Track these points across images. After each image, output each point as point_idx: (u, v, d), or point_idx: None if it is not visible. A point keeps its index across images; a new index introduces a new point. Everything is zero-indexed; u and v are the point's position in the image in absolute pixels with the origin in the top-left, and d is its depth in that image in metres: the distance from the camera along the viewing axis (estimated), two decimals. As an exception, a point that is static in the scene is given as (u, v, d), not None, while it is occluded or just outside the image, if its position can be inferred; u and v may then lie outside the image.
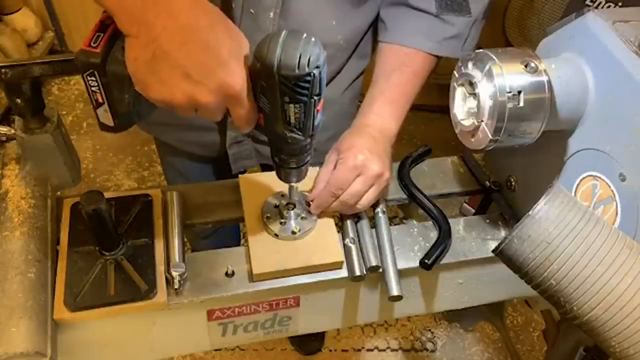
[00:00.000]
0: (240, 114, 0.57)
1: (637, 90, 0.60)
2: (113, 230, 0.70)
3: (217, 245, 0.82)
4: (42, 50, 2.51)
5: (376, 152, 0.77)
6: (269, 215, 0.77)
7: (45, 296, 0.66)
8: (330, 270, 0.76)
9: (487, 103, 0.65)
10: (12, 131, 0.72)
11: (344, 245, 0.77)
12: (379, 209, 0.82)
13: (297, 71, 0.53)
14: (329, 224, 0.79)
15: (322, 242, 0.76)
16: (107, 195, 0.67)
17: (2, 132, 0.74)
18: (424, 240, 0.81)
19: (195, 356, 1.80)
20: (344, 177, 0.75)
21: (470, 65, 0.68)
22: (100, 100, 0.58)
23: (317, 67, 0.54)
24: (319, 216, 0.79)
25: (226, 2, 0.80)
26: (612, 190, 0.65)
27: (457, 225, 0.83)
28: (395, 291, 0.73)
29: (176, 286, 0.70)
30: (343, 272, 0.76)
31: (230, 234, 1.51)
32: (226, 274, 0.74)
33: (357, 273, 0.74)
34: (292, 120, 0.58)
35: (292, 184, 0.73)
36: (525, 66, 0.65)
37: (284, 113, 0.57)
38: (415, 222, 0.88)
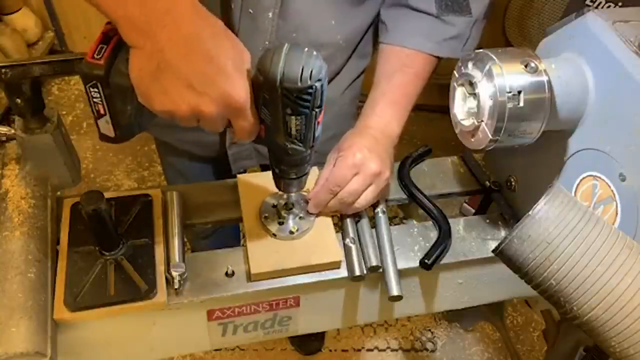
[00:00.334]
0: (242, 125, 0.58)
1: (637, 90, 0.60)
2: (113, 230, 0.70)
3: (217, 245, 0.82)
4: (42, 50, 2.51)
5: (376, 152, 0.77)
6: (267, 215, 0.77)
7: (45, 296, 0.66)
8: (329, 270, 0.76)
9: (487, 103, 0.65)
10: (12, 131, 0.72)
11: (344, 245, 0.77)
12: (379, 209, 0.82)
13: (299, 84, 0.54)
14: (327, 223, 0.79)
15: (321, 241, 0.76)
16: (107, 195, 0.67)
17: (2, 132, 0.74)
18: (424, 240, 0.81)
19: (195, 356, 1.81)
20: (342, 175, 0.75)
21: (470, 65, 0.68)
22: (102, 111, 0.58)
23: (319, 80, 0.55)
24: (318, 216, 0.79)
25: (225, 3, 0.80)
26: (612, 190, 0.65)
27: (457, 225, 0.83)
28: (395, 291, 0.73)
29: (176, 286, 0.70)
30: (343, 272, 0.76)
31: (230, 234, 1.51)
32: (226, 274, 0.74)
33: (357, 273, 0.74)
34: (294, 131, 0.59)
35: (292, 194, 0.74)
36: (525, 66, 0.65)
37: (285, 125, 0.58)
38: (415, 222, 0.88)
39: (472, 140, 0.71)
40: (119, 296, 0.67)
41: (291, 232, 0.76)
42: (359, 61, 0.99)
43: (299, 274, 0.74)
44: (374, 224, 0.81)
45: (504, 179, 0.87)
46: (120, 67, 0.55)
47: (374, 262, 0.75)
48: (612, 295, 0.52)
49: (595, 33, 0.66)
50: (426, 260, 0.75)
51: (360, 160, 0.75)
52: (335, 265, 0.75)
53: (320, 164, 0.81)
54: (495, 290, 0.88)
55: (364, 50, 0.98)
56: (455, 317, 1.75)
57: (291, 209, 0.78)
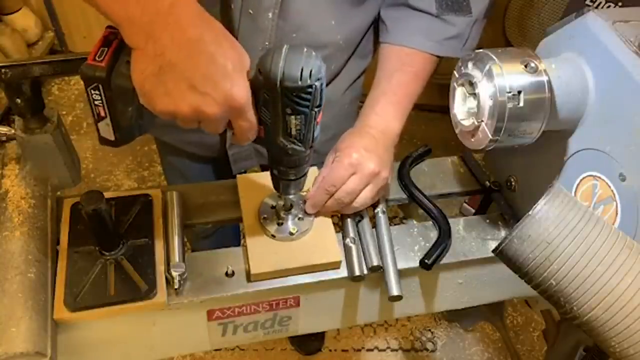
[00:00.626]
0: (242, 126, 0.58)
1: (637, 90, 0.60)
2: (113, 230, 0.70)
3: (217, 245, 0.82)
4: (42, 50, 2.51)
5: (374, 151, 0.77)
6: (265, 216, 0.77)
7: (45, 296, 0.66)
8: (328, 270, 0.76)
9: (487, 103, 0.65)
10: (12, 131, 0.72)
11: (344, 245, 0.77)
12: (379, 209, 0.82)
13: (299, 83, 0.54)
14: (327, 224, 0.79)
15: (320, 242, 0.76)
16: (107, 195, 0.67)
17: (2, 132, 0.75)
18: (424, 240, 0.81)
19: (195, 356, 1.80)
20: (338, 175, 0.75)
21: (470, 65, 0.68)
22: (102, 114, 0.59)
23: (319, 79, 0.56)
24: (317, 216, 0.79)
25: (225, 4, 0.80)
26: (612, 190, 0.65)
27: (457, 225, 0.83)
28: (395, 291, 0.73)
29: (176, 286, 0.70)
30: (343, 272, 0.76)
31: (230, 234, 1.51)
32: (226, 274, 0.74)
33: (357, 273, 0.74)
34: (293, 131, 0.59)
35: (290, 195, 0.74)
36: (525, 66, 0.65)
37: (285, 124, 0.58)
38: (415, 222, 0.88)
39: (472, 140, 0.71)
40: (119, 296, 0.67)
41: (291, 233, 0.76)
42: (359, 61, 0.99)
43: (298, 274, 0.74)
44: (374, 224, 0.81)
45: (504, 179, 0.87)
46: (121, 69, 0.56)
47: (374, 262, 0.75)
48: (612, 295, 0.52)
49: (595, 33, 0.66)
50: (426, 260, 0.75)
51: (357, 160, 0.75)
52: (335, 266, 0.75)
53: (321, 164, 0.81)
54: (495, 290, 0.88)
55: (364, 50, 0.98)
56: (455, 317, 1.75)
57: (290, 209, 0.78)
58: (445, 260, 0.78)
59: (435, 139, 2.20)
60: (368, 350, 1.86)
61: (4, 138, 0.76)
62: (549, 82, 0.65)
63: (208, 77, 0.53)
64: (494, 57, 0.65)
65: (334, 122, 1.00)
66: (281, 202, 0.78)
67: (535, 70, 0.65)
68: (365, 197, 0.77)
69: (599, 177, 0.66)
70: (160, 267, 0.70)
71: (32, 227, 0.70)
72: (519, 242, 0.56)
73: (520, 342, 1.90)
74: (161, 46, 0.52)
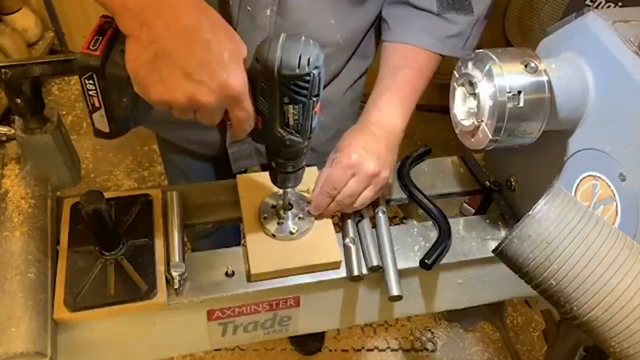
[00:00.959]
0: (239, 115, 0.57)
1: (637, 90, 0.60)
2: (113, 230, 0.70)
3: (217, 244, 0.82)
4: (42, 50, 2.51)
5: (374, 151, 0.76)
6: (266, 215, 0.77)
7: (45, 296, 0.66)
8: (328, 270, 0.76)
9: (487, 103, 0.65)
10: (12, 131, 0.72)
11: (344, 245, 0.77)
12: (379, 209, 0.82)
13: (297, 70, 0.54)
14: (327, 224, 0.79)
15: (320, 242, 0.76)
16: (107, 195, 0.67)
17: (2, 132, 0.75)
18: (424, 240, 0.81)
19: (195, 356, 1.80)
20: (338, 177, 0.75)
21: (470, 65, 0.68)
22: (97, 104, 0.58)
23: (317, 67, 0.55)
24: (319, 218, 0.79)
25: (223, 0, 0.80)
26: (612, 190, 0.65)
27: (457, 225, 0.83)
28: (395, 291, 0.73)
29: (176, 286, 0.70)
30: (343, 272, 0.76)
31: (231, 234, 1.51)
32: (226, 274, 0.74)
33: (356, 273, 0.74)
34: (291, 121, 0.59)
35: (288, 189, 0.74)
36: (525, 66, 0.65)
37: (282, 114, 0.58)
38: (415, 222, 0.88)
39: (472, 140, 0.71)
40: (119, 296, 0.67)
41: (291, 233, 0.76)
42: (360, 62, 0.99)
43: (298, 274, 0.74)
44: (374, 224, 0.81)
45: (504, 179, 0.87)
46: (116, 58, 0.55)
47: (374, 262, 0.75)
48: (612, 295, 0.52)
49: (595, 33, 0.66)
50: (426, 260, 0.75)
51: (356, 161, 0.75)
52: (334, 266, 0.75)
53: (321, 164, 0.81)
54: (495, 290, 0.88)
55: (365, 51, 0.98)
56: (455, 317, 1.74)
57: (290, 209, 0.78)
58: (445, 260, 0.78)
59: (435, 139, 2.20)
60: (368, 350, 1.86)
61: (4, 138, 0.76)
62: (549, 82, 0.65)
63: (204, 65, 0.52)
64: (494, 57, 0.65)
65: (334, 122, 1.00)
66: (281, 202, 0.78)
67: (535, 70, 0.65)
68: (365, 197, 0.77)
69: (599, 177, 0.66)
70: (160, 267, 0.70)
71: (32, 227, 0.70)
72: (519, 242, 0.56)
73: (520, 342, 1.90)
74: (156, 34, 0.51)
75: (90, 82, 0.56)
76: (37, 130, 0.71)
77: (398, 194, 0.88)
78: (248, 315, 0.77)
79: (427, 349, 1.88)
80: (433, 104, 1.73)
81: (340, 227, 0.80)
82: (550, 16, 1.85)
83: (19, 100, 0.67)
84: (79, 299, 0.66)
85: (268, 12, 0.80)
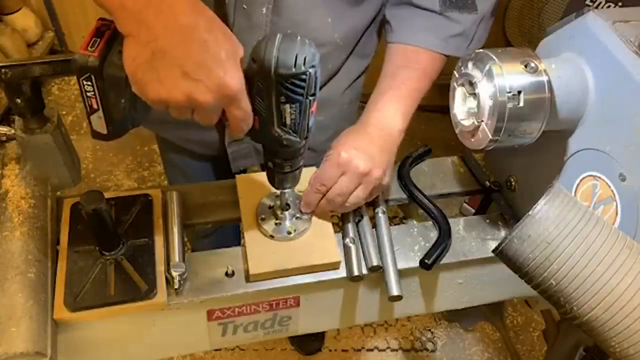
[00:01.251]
0: (236, 115, 0.57)
1: (637, 90, 0.60)
2: (113, 230, 0.70)
3: (217, 244, 0.82)
4: (42, 50, 2.50)
5: (366, 150, 0.76)
6: (263, 216, 0.77)
7: (45, 296, 0.66)
8: (327, 270, 0.76)
9: (487, 103, 0.65)
10: (12, 131, 0.72)
11: (344, 245, 0.77)
12: (379, 209, 0.82)
13: (293, 70, 0.54)
14: (326, 224, 0.78)
15: (320, 242, 0.76)
16: (107, 195, 0.67)
17: (2, 132, 0.75)
18: (424, 240, 0.81)
19: (195, 356, 1.80)
20: (327, 174, 0.75)
21: (470, 65, 0.68)
22: (94, 106, 0.58)
23: (313, 66, 0.55)
24: (312, 216, 0.79)
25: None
26: (612, 190, 0.65)
27: (457, 225, 0.83)
28: (395, 291, 0.73)
29: (176, 286, 0.70)
30: (343, 272, 0.76)
31: (231, 233, 1.51)
32: (226, 274, 0.74)
33: (356, 273, 0.74)
34: (288, 121, 0.59)
35: (286, 189, 0.74)
36: (525, 66, 0.65)
37: (279, 114, 0.58)
38: (415, 222, 0.88)
39: (472, 140, 0.71)
40: (119, 296, 0.67)
41: (289, 233, 0.76)
42: (359, 61, 0.99)
43: (297, 274, 0.74)
44: (374, 224, 0.81)
45: (504, 179, 0.87)
46: (113, 59, 0.56)
47: (374, 262, 0.75)
48: (612, 295, 0.52)
49: (595, 33, 0.66)
50: (426, 260, 0.75)
51: (346, 159, 0.74)
52: (334, 266, 0.75)
53: (320, 164, 0.81)
54: (495, 290, 0.88)
55: (364, 50, 0.98)
56: (455, 317, 1.74)
57: (287, 209, 0.78)
58: (445, 260, 0.78)
59: (435, 139, 2.19)
60: (368, 350, 1.86)
61: (4, 138, 0.76)
62: (549, 82, 0.65)
63: (201, 64, 0.52)
64: (494, 57, 0.65)
65: (334, 121, 1.00)
66: (278, 202, 0.78)
67: (535, 70, 0.65)
68: (357, 197, 0.76)
69: (599, 177, 0.66)
70: (160, 267, 0.70)
71: (32, 227, 0.70)
72: (519, 242, 0.56)
73: (520, 342, 1.90)
74: (153, 33, 0.51)
75: (89, 83, 0.56)
76: (37, 130, 0.71)
77: (398, 194, 0.88)
78: (248, 315, 0.77)
79: (427, 349, 1.88)
80: (433, 104, 1.73)
81: (340, 227, 0.80)
82: (550, 16, 1.85)
83: (19, 100, 0.67)
84: (79, 299, 0.66)
85: (264, 10, 0.80)
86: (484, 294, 0.88)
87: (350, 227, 0.79)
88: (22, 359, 0.60)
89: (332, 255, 0.75)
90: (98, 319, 0.69)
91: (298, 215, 0.78)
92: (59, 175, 0.77)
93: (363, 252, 0.77)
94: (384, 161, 0.78)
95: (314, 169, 0.81)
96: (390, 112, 0.81)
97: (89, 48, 0.55)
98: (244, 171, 1.10)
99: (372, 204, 0.82)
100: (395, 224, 0.82)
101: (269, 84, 0.56)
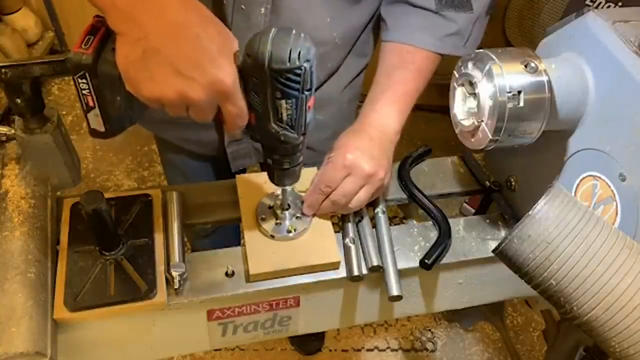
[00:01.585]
0: (231, 111, 0.57)
1: (637, 90, 0.60)
2: (113, 230, 0.70)
3: (218, 244, 0.82)
4: (42, 50, 2.51)
5: (369, 152, 0.76)
6: (263, 216, 0.77)
7: (45, 296, 0.66)
8: (327, 270, 0.76)
9: (487, 103, 0.65)
10: (12, 131, 0.72)
11: (344, 245, 0.77)
12: (379, 209, 0.82)
13: (288, 64, 0.54)
14: (326, 224, 0.78)
15: (320, 242, 0.76)
16: (107, 195, 0.67)
17: (2, 132, 0.75)
18: (424, 240, 0.81)
19: (195, 356, 1.80)
20: (332, 176, 0.75)
21: (470, 65, 0.68)
22: (91, 103, 0.58)
23: (308, 60, 0.55)
24: (314, 216, 0.79)
25: (217, 0, 0.80)
26: (612, 190, 0.65)
27: (457, 225, 0.83)
28: (395, 291, 0.73)
29: (176, 286, 0.70)
30: (343, 272, 0.76)
31: (231, 233, 1.51)
32: (226, 274, 0.74)
33: (356, 273, 0.74)
34: (284, 117, 0.58)
35: (286, 187, 0.73)
36: (525, 66, 0.65)
37: (275, 110, 0.58)
38: (415, 222, 0.88)
39: (472, 140, 0.71)
40: (119, 296, 0.67)
41: (288, 232, 0.76)
42: (358, 59, 0.99)
43: (297, 274, 0.74)
44: (374, 224, 0.81)
45: (504, 179, 0.87)
46: (107, 56, 0.56)
47: (374, 262, 0.75)
48: (612, 295, 0.52)
49: (595, 33, 0.66)
50: (426, 260, 0.75)
51: (351, 161, 0.74)
52: (334, 266, 0.75)
53: (320, 164, 0.81)
54: (495, 290, 0.88)
55: (363, 49, 0.98)
56: (455, 317, 1.75)
57: (287, 209, 0.78)
58: (445, 260, 0.78)
59: (435, 139, 2.19)
60: (368, 350, 1.86)
61: (4, 138, 0.76)
62: (549, 82, 0.65)
63: (193, 61, 0.52)
64: (494, 57, 0.65)
65: (333, 120, 1.00)
66: (278, 202, 0.78)
67: (535, 70, 0.65)
68: (360, 198, 0.76)
69: (599, 177, 0.66)
70: (160, 267, 0.70)
71: (32, 227, 0.70)
72: (519, 242, 0.56)
73: (520, 342, 1.90)
74: (144, 31, 0.51)
75: (84, 81, 0.56)
76: (37, 130, 0.71)
77: (398, 194, 0.88)
78: (248, 315, 0.77)
79: (427, 349, 1.88)
80: (433, 104, 1.73)
81: (340, 227, 0.80)
82: (550, 16, 1.85)
83: (19, 100, 0.67)
84: (79, 299, 0.66)
85: (262, 10, 0.80)
86: (484, 294, 0.88)
87: (350, 227, 0.79)
88: (22, 359, 0.60)
89: (332, 255, 0.75)
90: (98, 319, 0.69)
91: (298, 215, 0.78)
92: (59, 175, 0.77)
93: (363, 252, 0.77)
94: (385, 163, 0.78)
95: (314, 169, 0.81)
96: (387, 114, 0.81)
97: (82, 46, 0.55)
98: (244, 171, 1.10)
99: (372, 204, 0.82)
100: (395, 224, 0.82)
101: (264, 79, 0.55)
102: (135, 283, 0.68)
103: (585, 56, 0.67)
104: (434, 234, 0.81)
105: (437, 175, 0.92)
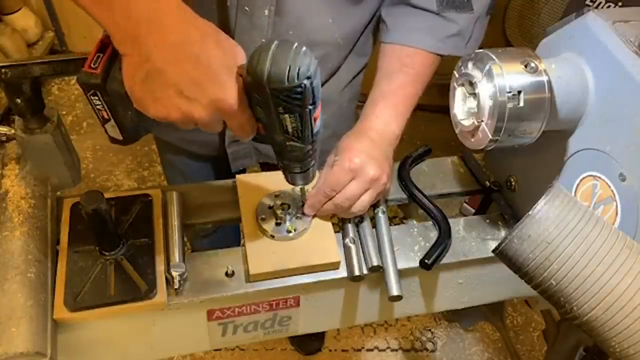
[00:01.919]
0: (236, 126, 0.58)
1: (637, 90, 0.60)
2: (113, 230, 0.70)
3: (217, 244, 0.82)
4: (42, 50, 2.51)
5: (374, 156, 0.76)
6: (263, 216, 0.77)
7: (45, 296, 0.66)
8: (328, 270, 0.76)
9: (487, 103, 0.65)
10: (12, 131, 0.73)
11: (344, 245, 0.77)
12: (379, 209, 0.82)
13: (286, 83, 0.53)
14: (326, 224, 0.78)
15: (320, 242, 0.76)
16: (107, 195, 0.68)
17: (2, 132, 0.75)
18: (424, 240, 0.81)
19: (195, 356, 1.80)
20: (338, 179, 0.75)
21: (470, 65, 0.68)
22: (106, 116, 0.60)
23: (308, 77, 0.53)
24: (314, 217, 0.79)
25: (221, 1, 0.80)
26: (612, 190, 0.65)
27: (457, 225, 0.83)
28: (395, 291, 0.73)
29: (176, 286, 0.70)
30: (343, 272, 0.76)
31: (231, 233, 1.51)
32: (226, 274, 0.74)
33: (356, 273, 0.74)
34: (290, 129, 0.58)
35: (299, 186, 0.74)
36: (525, 66, 0.65)
37: (280, 123, 0.58)
38: (415, 222, 0.88)
39: (472, 140, 0.71)
40: (119, 296, 0.67)
41: (288, 232, 0.76)
42: (358, 59, 0.99)
43: (297, 274, 0.74)
44: (374, 224, 0.81)
45: (504, 179, 0.87)
46: (116, 75, 0.56)
47: (374, 262, 0.75)
48: (612, 295, 0.52)
49: (595, 33, 0.66)
50: (426, 260, 0.75)
51: (357, 165, 0.74)
52: (334, 266, 0.75)
53: (322, 162, 0.81)
54: (495, 290, 0.88)
55: (363, 48, 0.97)
56: (455, 317, 1.75)
57: (287, 209, 0.78)
58: (445, 260, 0.78)
59: (435, 139, 2.19)
60: (368, 350, 1.86)
61: (4, 138, 0.76)
62: (549, 82, 0.65)
63: (194, 81, 0.53)
64: (494, 57, 0.65)
65: (333, 119, 1.00)
66: (279, 202, 0.78)
67: (535, 70, 0.65)
68: (363, 202, 0.76)
69: (599, 177, 0.66)
70: (160, 267, 0.70)
71: (32, 227, 0.70)
72: (519, 242, 0.56)
73: (520, 342, 1.90)
74: (146, 52, 0.52)
75: (96, 97, 0.58)
76: (37, 130, 0.71)
77: (398, 194, 0.88)
78: (248, 315, 0.77)
79: (427, 349, 1.88)
80: (433, 104, 1.73)
81: (340, 227, 0.80)
82: (550, 16, 1.85)
83: (19, 100, 0.67)
84: (79, 299, 0.66)
85: (266, 12, 0.80)
86: (484, 294, 0.88)
87: (350, 227, 0.79)
88: (22, 359, 0.60)
89: (332, 255, 0.75)
90: (98, 319, 0.69)
91: (298, 215, 0.78)
92: (59, 175, 0.77)
93: (363, 252, 0.77)
94: (387, 166, 0.78)
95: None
96: (388, 118, 0.82)
97: (92, 65, 0.56)
98: (244, 171, 1.10)
99: (372, 204, 0.82)
100: (395, 224, 0.82)
101: (265, 96, 0.55)
102: (135, 283, 0.68)
103: (585, 56, 0.67)
104: (434, 234, 0.81)
105: (437, 175, 0.92)
